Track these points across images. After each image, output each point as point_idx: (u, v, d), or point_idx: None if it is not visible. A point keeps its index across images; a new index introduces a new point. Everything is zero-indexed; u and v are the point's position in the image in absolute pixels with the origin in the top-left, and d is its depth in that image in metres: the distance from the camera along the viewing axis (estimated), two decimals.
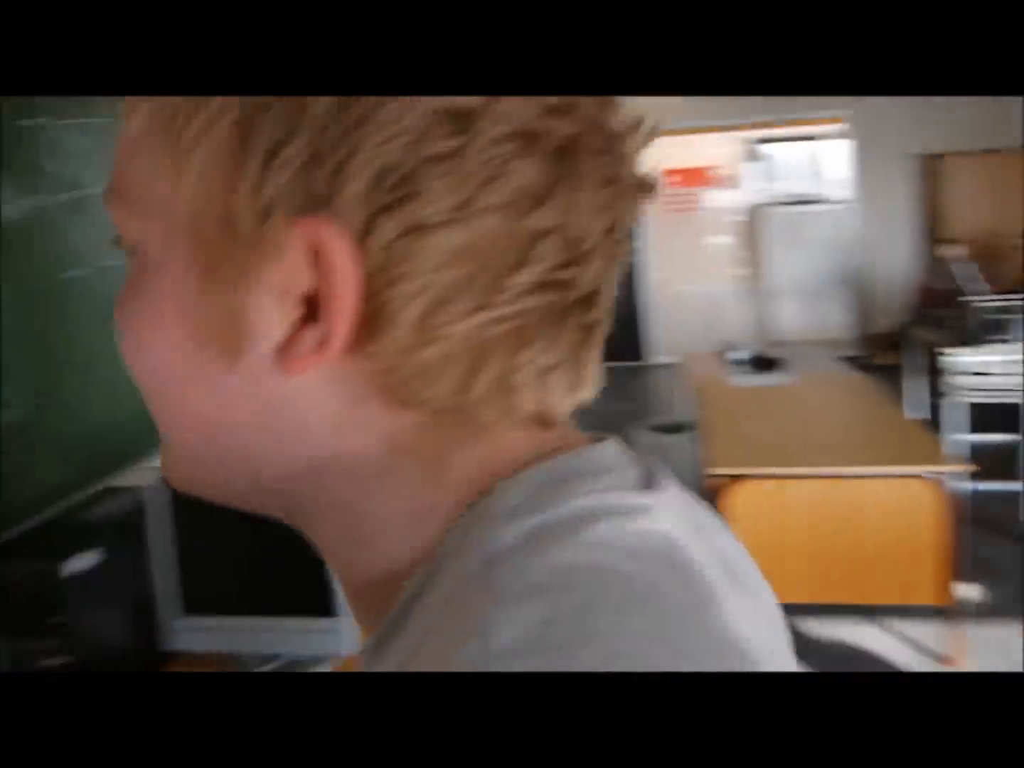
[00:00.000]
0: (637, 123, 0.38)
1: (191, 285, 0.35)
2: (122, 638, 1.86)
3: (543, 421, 0.38)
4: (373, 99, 0.31)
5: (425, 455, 0.36)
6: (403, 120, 0.31)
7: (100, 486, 2.16)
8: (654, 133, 0.39)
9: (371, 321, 0.33)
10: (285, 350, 0.34)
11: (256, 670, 1.80)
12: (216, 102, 0.33)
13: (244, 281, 0.33)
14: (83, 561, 1.75)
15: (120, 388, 2.28)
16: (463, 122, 0.32)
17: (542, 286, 0.34)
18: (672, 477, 0.41)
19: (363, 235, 0.32)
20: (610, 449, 0.40)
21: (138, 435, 2.38)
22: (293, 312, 0.34)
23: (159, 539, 1.84)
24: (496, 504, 0.35)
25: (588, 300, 0.36)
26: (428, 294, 0.32)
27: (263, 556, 1.75)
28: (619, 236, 0.37)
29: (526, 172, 0.33)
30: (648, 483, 0.38)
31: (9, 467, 1.93)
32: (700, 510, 0.42)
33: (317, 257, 0.32)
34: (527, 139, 0.33)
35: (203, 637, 1.84)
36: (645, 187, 0.38)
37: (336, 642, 1.67)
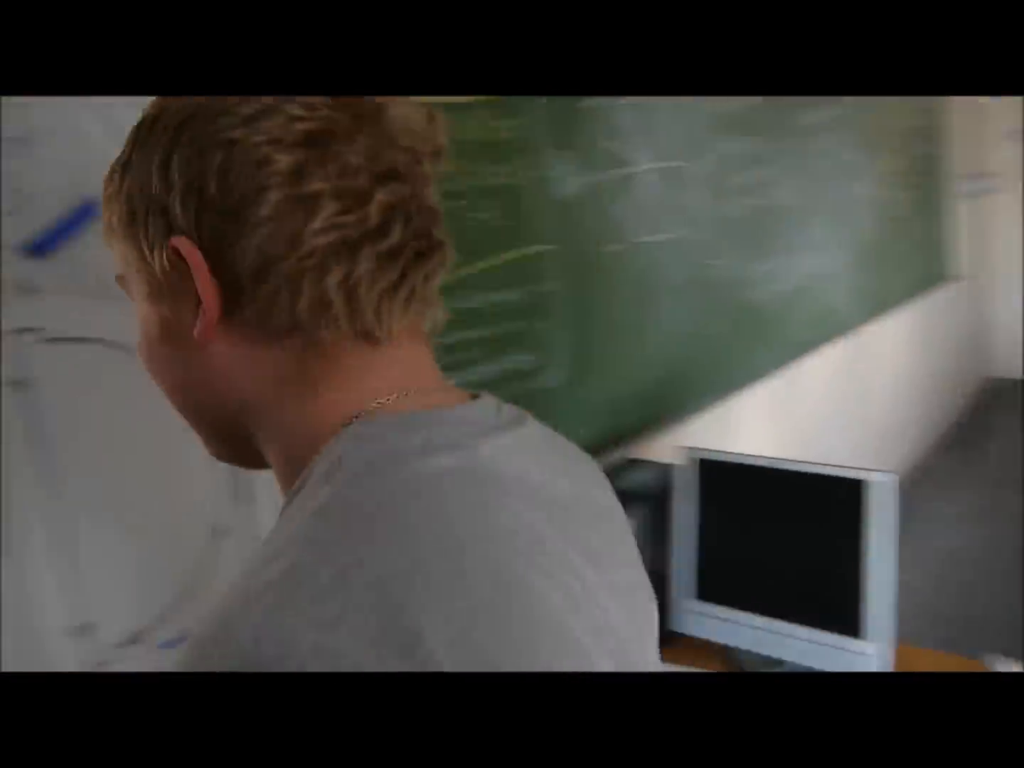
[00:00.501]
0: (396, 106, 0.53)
1: (146, 308, 0.56)
2: None
3: (375, 341, 0.53)
4: (176, 159, 0.50)
5: (302, 386, 0.53)
6: (193, 162, 0.50)
7: (619, 456, 2.20)
8: (426, 112, 0.55)
9: (227, 286, 0.51)
10: (195, 329, 0.53)
11: (755, 671, 1.77)
12: (114, 204, 0.55)
13: (167, 295, 0.54)
14: None
15: (643, 361, 2.35)
16: (228, 147, 0.49)
17: (327, 229, 0.49)
18: (531, 433, 0.57)
19: (199, 235, 0.50)
20: (469, 407, 0.55)
21: (656, 408, 2.40)
22: (194, 306, 0.53)
23: (684, 519, 1.82)
24: (356, 431, 0.50)
25: (377, 232, 0.51)
26: (251, 252, 0.49)
27: (792, 558, 1.68)
28: (399, 179, 0.52)
29: (281, 159, 0.49)
30: (490, 432, 0.53)
31: None
32: (545, 463, 0.55)
33: (184, 260, 0.51)
34: (276, 141, 0.49)
35: (711, 625, 1.81)
36: (413, 149, 0.53)
37: (859, 662, 1.56)
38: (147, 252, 0.54)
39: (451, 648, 0.40)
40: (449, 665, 0.39)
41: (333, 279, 0.50)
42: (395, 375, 0.55)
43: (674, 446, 2.07)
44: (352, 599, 0.40)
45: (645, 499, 1.94)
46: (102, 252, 1.26)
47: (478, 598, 0.43)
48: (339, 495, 0.46)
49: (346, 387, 0.53)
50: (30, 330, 1.15)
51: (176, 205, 0.51)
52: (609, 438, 2.24)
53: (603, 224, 2.21)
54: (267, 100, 0.50)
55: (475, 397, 0.59)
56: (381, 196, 0.51)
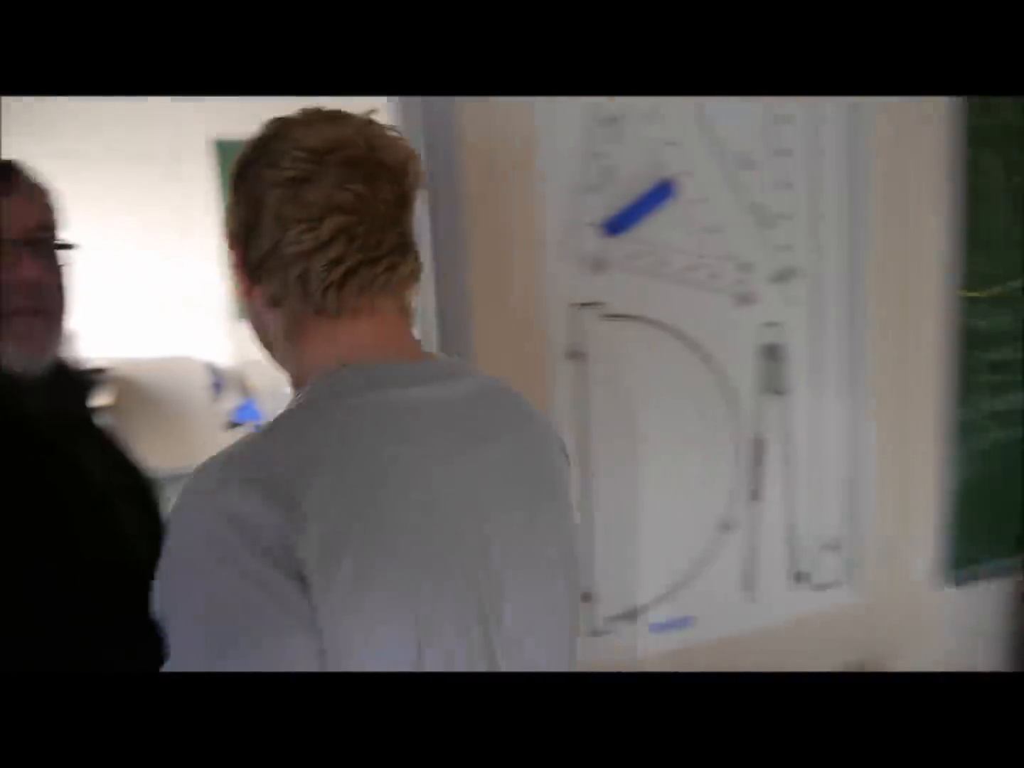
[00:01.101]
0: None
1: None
2: None
3: (371, 313, 0.76)
4: (229, 192, 0.79)
5: (293, 342, 0.77)
6: (232, 194, 0.78)
7: None
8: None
9: (250, 271, 0.77)
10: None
11: None
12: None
13: (234, 275, 0.80)
14: None
15: None
16: (245, 186, 0.76)
17: (293, 242, 0.73)
18: (462, 387, 0.79)
19: (236, 240, 0.78)
20: (412, 364, 0.78)
21: None
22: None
23: None
24: (321, 378, 0.73)
25: (326, 246, 0.73)
26: (255, 253, 0.75)
27: None
28: (345, 211, 0.73)
29: (270, 196, 0.74)
30: (418, 382, 0.76)
31: None
32: (462, 407, 0.77)
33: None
34: (269, 183, 0.73)
35: None
36: (364, 190, 0.74)
37: None
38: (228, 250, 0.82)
39: (319, 511, 0.64)
40: (313, 518, 0.63)
41: (293, 273, 0.74)
42: (359, 340, 0.76)
43: None
44: (262, 480, 0.64)
45: None
46: (666, 232, 1.25)
47: (347, 494, 0.66)
48: (286, 417, 0.71)
49: (321, 346, 0.76)
50: (593, 305, 1.18)
51: (228, 220, 0.80)
52: None
53: None
54: (273, 154, 0.75)
55: (433, 357, 0.82)
56: (329, 223, 0.74)
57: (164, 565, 0.68)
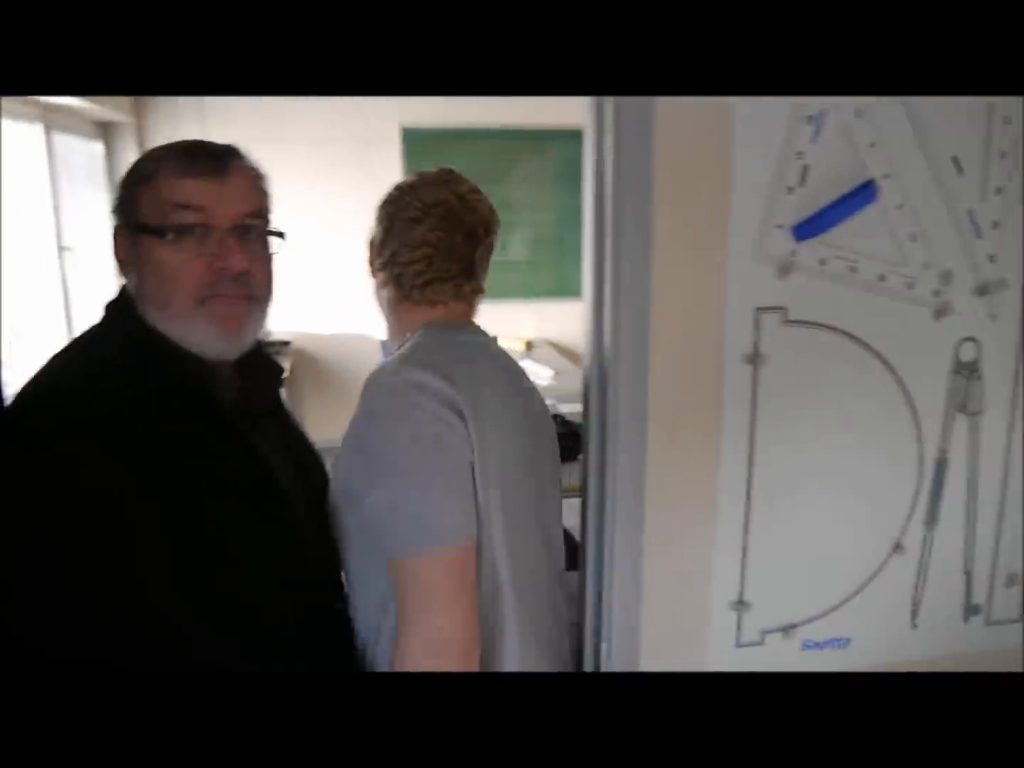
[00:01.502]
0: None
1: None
2: None
3: (444, 304, 1.25)
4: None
5: (395, 312, 1.27)
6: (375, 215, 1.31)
7: None
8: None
9: (375, 265, 1.28)
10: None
11: None
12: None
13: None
14: None
15: None
16: (382, 216, 1.27)
17: (397, 254, 1.23)
18: (493, 339, 1.30)
19: (374, 246, 1.29)
20: (467, 325, 1.28)
21: None
22: None
23: None
24: (412, 336, 1.22)
25: (415, 264, 1.22)
26: (383, 255, 1.25)
27: None
28: (430, 245, 1.21)
29: (392, 227, 1.24)
30: (475, 334, 1.28)
31: None
32: (500, 351, 1.31)
33: None
34: (391, 217, 1.26)
35: None
36: (445, 233, 1.22)
37: None
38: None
39: (464, 386, 1.12)
40: (463, 389, 1.11)
41: (395, 273, 1.23)
42: (432, 316, 1.23)
43: None
44: (428, 365, 1.11)
45: None
46: (859, 238, 1.18)
47: (474, 380, 1.14)
48: (415, 345, 1.16)
49: (409, 317, 1.24)
50: (775, 309, 1.15)
51: (373, 229, 1.28)
52: None
53: None
54: (406, 199, 1.24)
55: (468, 324, 1.28)
56: (419, 251, 1.20)
57: (365, 421, 1.10)
